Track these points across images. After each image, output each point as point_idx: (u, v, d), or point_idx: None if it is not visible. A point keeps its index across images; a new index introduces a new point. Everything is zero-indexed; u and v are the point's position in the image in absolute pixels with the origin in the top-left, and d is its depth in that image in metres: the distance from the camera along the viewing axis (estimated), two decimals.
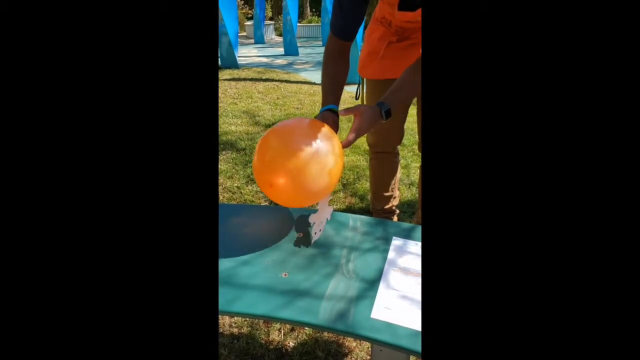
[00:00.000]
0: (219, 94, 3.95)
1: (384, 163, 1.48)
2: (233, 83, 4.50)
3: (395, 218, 1.60)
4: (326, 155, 0.76)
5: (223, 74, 4.96)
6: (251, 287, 0.70)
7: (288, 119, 0.85)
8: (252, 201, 1.92)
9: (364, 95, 1.39)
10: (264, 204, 1.89)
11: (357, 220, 0.92)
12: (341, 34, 1.02)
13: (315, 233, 0.82)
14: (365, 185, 2.05)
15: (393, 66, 1.22)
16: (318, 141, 0.76)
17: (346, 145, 0.85)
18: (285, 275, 0.73)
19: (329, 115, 0.96)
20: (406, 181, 2.09)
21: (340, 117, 0.98)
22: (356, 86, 1.45)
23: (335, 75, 1.03)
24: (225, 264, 0.76)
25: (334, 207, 1.87)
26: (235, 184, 2.07)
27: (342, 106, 0.98)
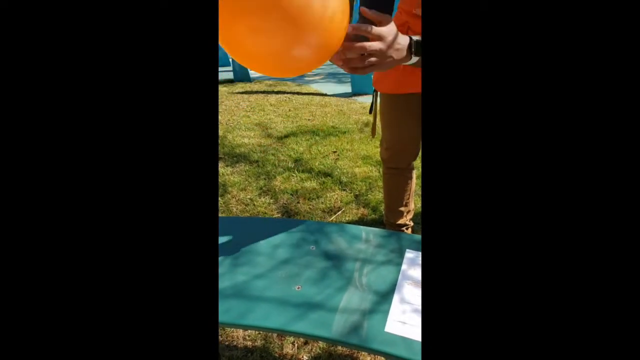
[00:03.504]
0: (232, 107, 4.01)
1: (397, 178, 1.44)
2: (246, 96, 4.56)
3: (409, 231, 1.58)
4: None
5: (236, 88, 5.03)
6: (264, 300, 0.70)
7: None
8: (265, 213, 1.93)
9: (377, 109, 1.37)
10: (276, 216, 1.90)
11: (370, 233, 0.92)
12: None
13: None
14: (377, 196, 2.04)
15: (409, 81, 1.18)
16: None
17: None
18: (298, 288, 0.73)
19: None
20: (419, 192, 2.07)
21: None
22: (371, 98, 1.43)
23: None
24: (238, 277, 0.77)
25: (345, 219, 1.86)
26: (248, 196, 2.08)
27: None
